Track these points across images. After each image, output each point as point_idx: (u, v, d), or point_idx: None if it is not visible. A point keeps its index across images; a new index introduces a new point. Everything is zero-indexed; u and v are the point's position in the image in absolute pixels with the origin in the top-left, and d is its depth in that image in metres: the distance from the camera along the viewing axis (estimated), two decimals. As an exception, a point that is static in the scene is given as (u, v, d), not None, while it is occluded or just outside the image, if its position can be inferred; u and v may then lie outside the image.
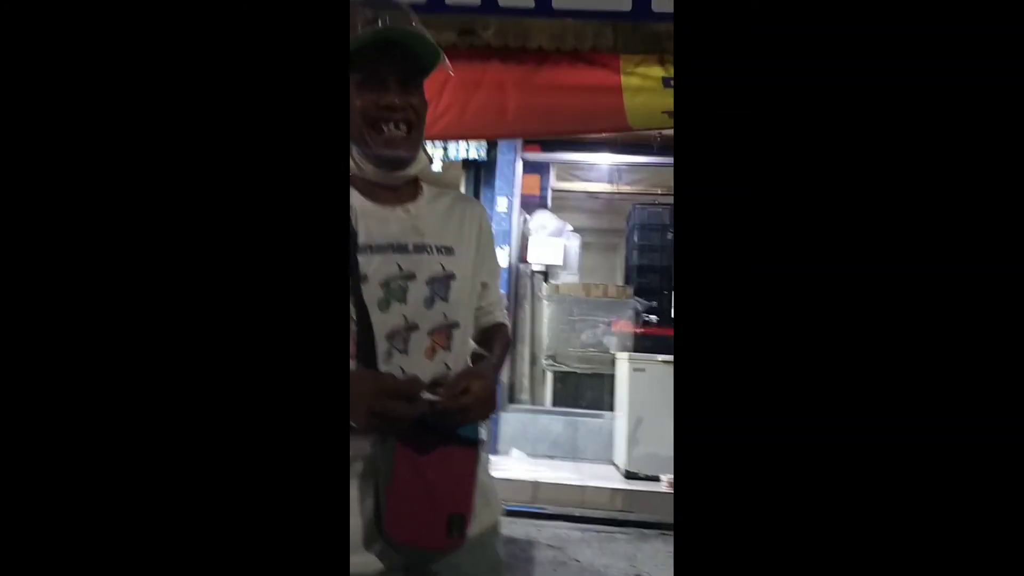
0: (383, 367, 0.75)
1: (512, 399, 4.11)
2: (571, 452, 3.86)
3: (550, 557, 2.59)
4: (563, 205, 5.08)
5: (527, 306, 4.24)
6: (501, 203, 4.06)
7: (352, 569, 0.61)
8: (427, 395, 0.72)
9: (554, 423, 3.92)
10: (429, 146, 0.88)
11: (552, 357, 4.11)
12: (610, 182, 5.11)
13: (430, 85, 0.86)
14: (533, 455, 3.83)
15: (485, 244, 0.88)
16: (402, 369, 0.76)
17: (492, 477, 0.86)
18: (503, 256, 3.82)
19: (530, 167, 4.56)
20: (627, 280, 4.52)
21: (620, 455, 3.57)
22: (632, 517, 3.10)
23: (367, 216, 0.79)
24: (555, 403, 4.11)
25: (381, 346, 0.76)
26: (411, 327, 0.78)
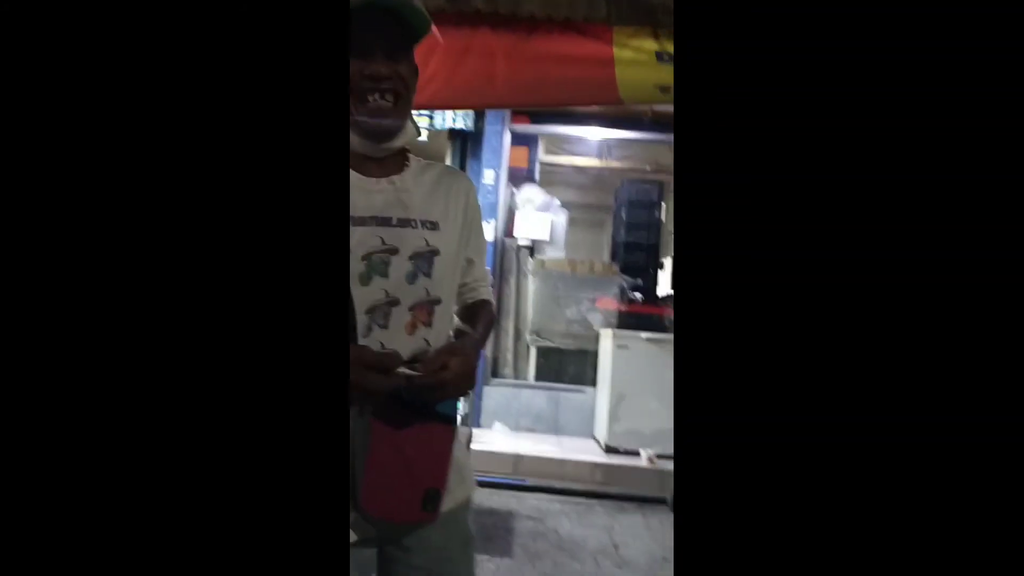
0: (362, 341, 0.74)
1: (496, 373, 4.14)
2: (553, 426, 3.91)
3: (529, 528, 2.63)
4: (551, 179, 5.04)
5: (512, 281, 4.23)
6: (488, 175, 4.01)
7: None
8: (404, 370, 0.71)
9: (537, 397, 3.96)
10: (414, 115, 0.85)
11: (536, 332, 4.13)
12: (599, 157, 5.07)
13: (416, 52, 0.82)
14: (515, 429, 3.87)
15: (472, 220, 0.86)
16: (382, 344, 0.75)
17: (467, 454, 0.86)
18: (489, 230, 3.79)
19: (518, 139, 4.50)
20: (613, 257, 4.52)
21: (601, 430, 3.63)
22: (611, 490, 3.17)
23: (351, 188, 0.76)
24: (538, 378, 4.14)
25: (361, 320, 0.74)
26: (392, 302, 0.76)
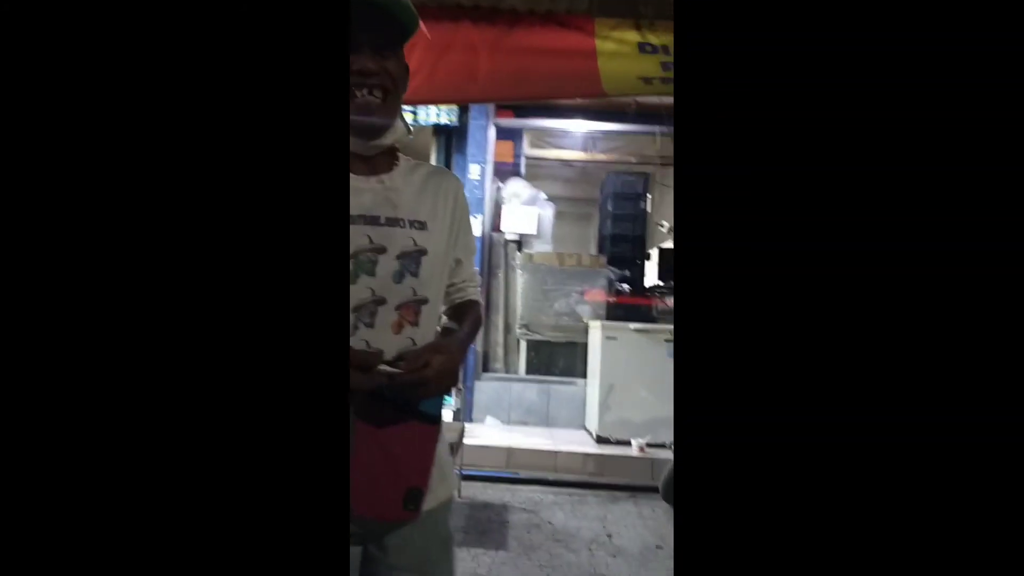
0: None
1: (486, 368, 4.14)
2: (544, 419, 3.92)
3: (524, 520, 2.65)
4: (536, 173, 5.04)
5: (501, 275, 4.23)
6: (473, 170, 3.99)
7: None
8: (386, 368, 0.71)
9: (528, 390, 3.97)
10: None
11: (526, 326, 4.14)
12: (584, 150, 5.07)
13: (399, 47, 0.82)
14: (507, 422, 3.88)
15: (461, 220, 0.86)
16: (367, 343, 0.75)
17: (450, 453, 0.86)
18: (476, 225, 3.78)
19: (503, 133, 4.48)
20: (600, 249, 4.54)
21: (592, 420, 3.65)
22: (603, 480, 3.19)
23: None
24: (529, 371, 4.15)
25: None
26: (378, 301, 0.76)
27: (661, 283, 3.84)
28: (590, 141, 4.98)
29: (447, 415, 3.25)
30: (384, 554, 0.78)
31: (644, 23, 2.06)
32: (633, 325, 3.61)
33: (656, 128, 4.20)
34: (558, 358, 4.16)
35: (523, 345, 4.18)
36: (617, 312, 4.04)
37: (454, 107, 3.88)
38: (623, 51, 2.05)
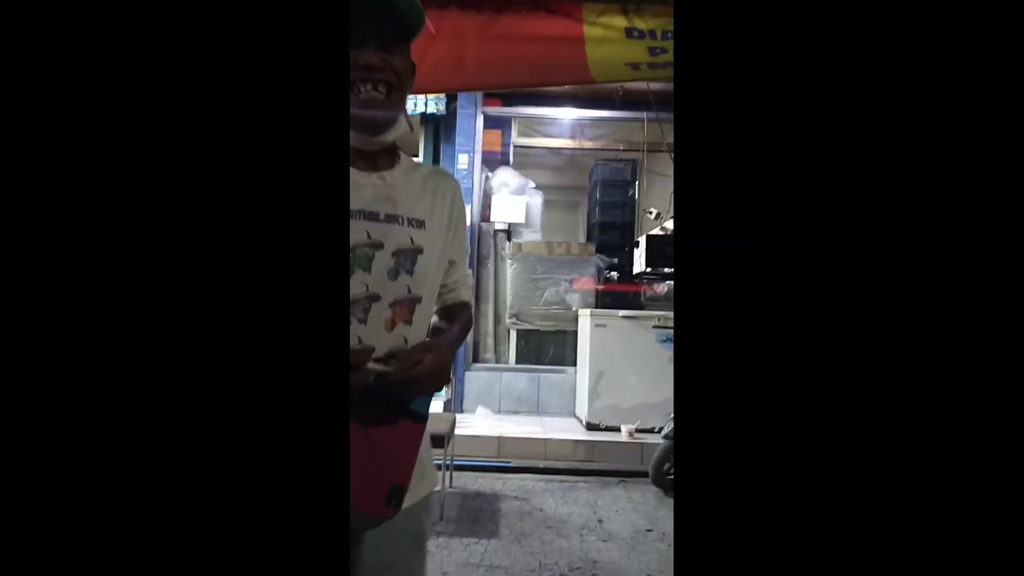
0: None
1: (477, 358, 4.15)
2: (534, 407, 3.94)
3: (516, 508, 2.67)
4: (525, 162, 5.01)
5: (490, 265, 4.22)
6: (462, 160, 3.97)
7: None
8: (376, 366, 0.70)
9: (518, 380, 3.99)
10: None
11: (516, 316, 4.14)
12: (572, 137, 5.06)
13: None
14: (498, 412, 3.90)
15: (457, 221, 0.86)
16: (359, 339, 0.74)
17: (431, 451, 0.86)
18: (465, 214, 3.76)
19: (491, 122, 4.45)
20: (589, 237, 4.54)
21: (582, 408, 3.68)
22: (593, 466, 3.22)
23: None
24: (519, 360, 4.17)
25: None
26: (372, 297, 0.75)
27: (649, 270, 3.86)
28: (578, 128, 4.96)
29: (437, 406, 3.26)
30: (358, 549, 0.78)
31: (631, 7, 2.04)
32: (622, 312, 3.63)
33: (644, 115, 4.20)
34: (548, 347, 4.17)
35: (513, 335, 4.19)
36: (606, 300, 4.05)
37: (442, 96, 3.84)
38: (610, 36, 2.04)
